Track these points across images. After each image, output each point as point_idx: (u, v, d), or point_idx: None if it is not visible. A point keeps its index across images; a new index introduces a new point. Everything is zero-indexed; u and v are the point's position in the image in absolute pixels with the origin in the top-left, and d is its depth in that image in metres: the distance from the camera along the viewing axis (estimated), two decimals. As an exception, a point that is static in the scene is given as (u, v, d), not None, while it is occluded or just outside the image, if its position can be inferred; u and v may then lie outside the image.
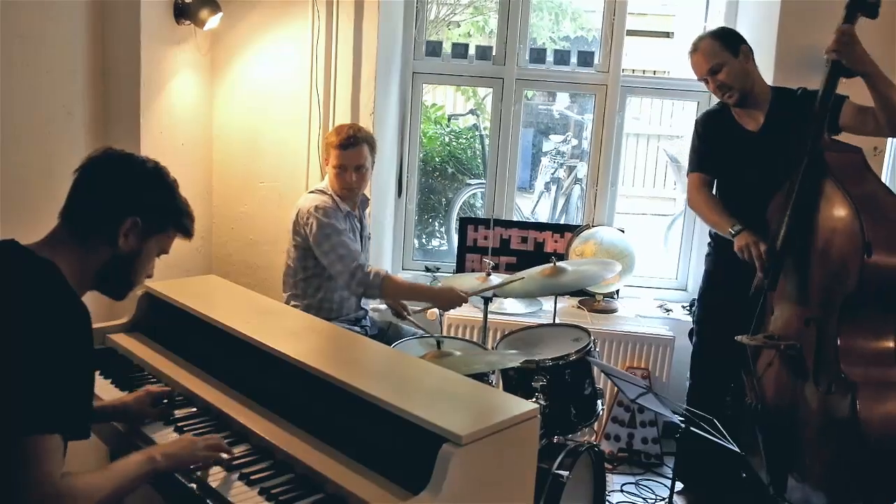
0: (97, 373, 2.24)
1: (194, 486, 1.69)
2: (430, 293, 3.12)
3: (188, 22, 3.36)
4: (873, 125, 2.57)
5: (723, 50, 2.81)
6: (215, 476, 1.72)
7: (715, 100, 2.99)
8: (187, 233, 1.78)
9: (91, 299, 1.62)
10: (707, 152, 3.00)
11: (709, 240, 3.15)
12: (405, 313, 3.19)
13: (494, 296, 3.16)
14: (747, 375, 2.67)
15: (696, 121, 3.11)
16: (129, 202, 1.64)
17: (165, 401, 2.03)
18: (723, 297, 2.99)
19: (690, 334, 3.24)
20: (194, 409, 2.04)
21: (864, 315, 2.30)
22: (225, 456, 1.75)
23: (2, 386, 1.37)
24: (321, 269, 2.99)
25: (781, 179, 2.57)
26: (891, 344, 2.30)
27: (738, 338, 2.59)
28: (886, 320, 2.31)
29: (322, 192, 3.04)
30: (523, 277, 3.01)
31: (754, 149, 2.84)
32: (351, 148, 2.98)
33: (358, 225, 3.13)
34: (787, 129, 2.69)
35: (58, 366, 1.41)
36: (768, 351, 2.60)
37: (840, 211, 2.33)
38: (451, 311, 3.22)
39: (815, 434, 2.36)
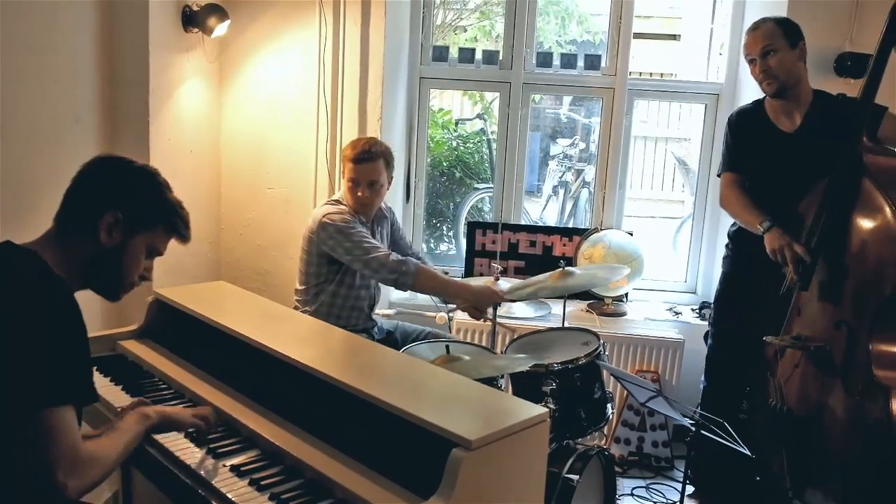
0: (107, 379, 2.25)
1: (202, 490, 1.70)
2: (467, 289, 2.99)
3: (196, 29, 3.37)
4: None
5: (782, 37, 2.77)
6: (224, 480, 1.72)
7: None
8: (179, 233, 1.78)
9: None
10: (740, 151, 2.96)
11: (727, 241, 3.13)
12: (484, 316, 3.05)
13: (533, 297, 3.12)
14: (772, 376, 2.64)
15: (729, 119, 3.05)
16: (110, 196, 1.66)
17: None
18: (740, 299, 2.97)
19: (706, 337, 3.22)
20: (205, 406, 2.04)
21: None
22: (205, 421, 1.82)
23: (5, 366, 1.40)
24: (332, 275, 2.98)
25: (814, 182, 2.54)
26: None
27: (767, 338, 2.56)
28: None
29: (337, 202, 3.04)
30: (568, 269, 2.95)
31: (788, 149, 2.81)
32: (365, 163, 2.95)
33: (376, 238, 3.10)
34: (823, 132, 2.65)
35: (56, 338, 1.44)
36: (793, 352, 2.56)
37: (879, 214, 2.29)
38: (459, 315, 3.20)
39: (842, 437, 2.33)
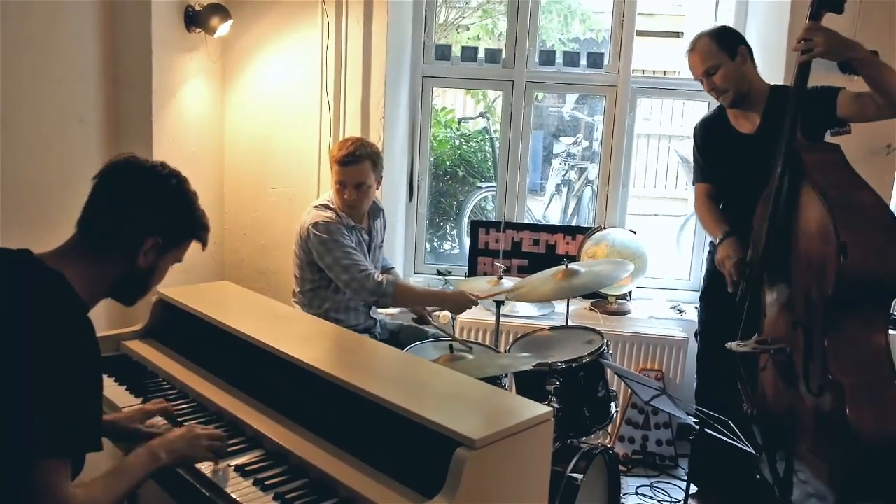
0: (112, 380, 2.25)
1: (206, 490, 1.70)
2: (441, 297, 3.16)
3: (199, 29, 3.38)
4: (873, 109, 2.52)
5: (719, 51, 2.77)
6: (228, 479, 1.72)
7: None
8: (203, 243, 1.78)
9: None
10: (706, 161, 3.01)
11: (710, 238, 3.14)
12: (429, 318, 3.21)
13: (507, 299, 3.16)
14: (740, 382, 2.65)
15: (694, 129, 3.10)
16: (153, 222, 1.63)
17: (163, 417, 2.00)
18: (723, 297, 2.97)
19: (696, 335, 3.23)
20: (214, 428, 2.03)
21: (850, 316, 2.27)
22: (219, 445, 1.79)
23: (9, 406, 1.36)
24: (325, 281, 2.98)
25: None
26: (879, 344, 2.27)
27: (728, 345, 2.57)
28: (873, 320, 2.30)
29: (326, 206, 3.01)
30: (524, 286, 3.03)
31: (749, 151, 2.81)
32: (350, 165, 2.92)
33: (365, 237, 3.09)
34: (781, 128, 2.67)
35: (65, 387, 1.40)
36: (762, 356, 2.58)
37: (816, 213, 2.31)
38: (464, 314, 3.22)
39: (812, 436, 2.34)
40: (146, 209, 1.63)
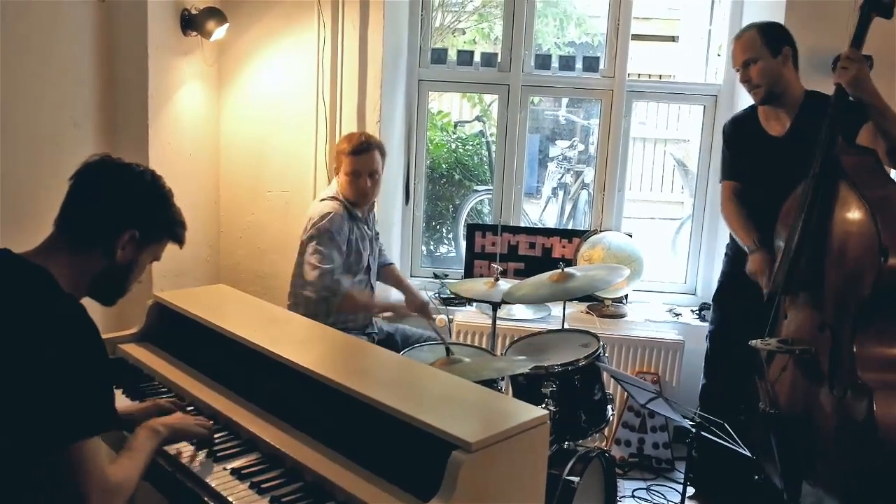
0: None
1: (203, 493, 1.70)
2: (388, 304, 3.32)
3: (195, 33, 3.38)
4: (882, 152, 2.53)
5: (763, 46, 2.78)
6: (225, 483, 1.72)
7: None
8: (180, 241, 1.81)
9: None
10: (734, 159, 3.01)
11: (728, 241, 3.14)
12: (401, 314, 3.31)
13: (503, 301, 3.16)
14: (761, 380, 2.65)
15: (724, 127, 3.10)
16: (129, 215, 1.66)
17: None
18: (739, 300, 2.97)
19: (707, 336, 3.23)
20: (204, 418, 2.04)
21: (881, 320, 2.25)
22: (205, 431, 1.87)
23: (25, 400, 1.38)
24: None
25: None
26: None
27: (753, 342, 2.57)
28: None
29: (333, 197, 3.09)
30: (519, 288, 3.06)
31: (776, 153, 2.82)
32: (364, 153, 3.05)
33: (368, 231, 3.19)
34: (813, 134, 2.63)
35: (79, 369, 1.43)
36: (782, 356, 2.58)
37: (855, 214, 2.30)
38: (461, 317, 3.23)
39: (831, 439, 2.33)
40: (122, 203, 1.66)
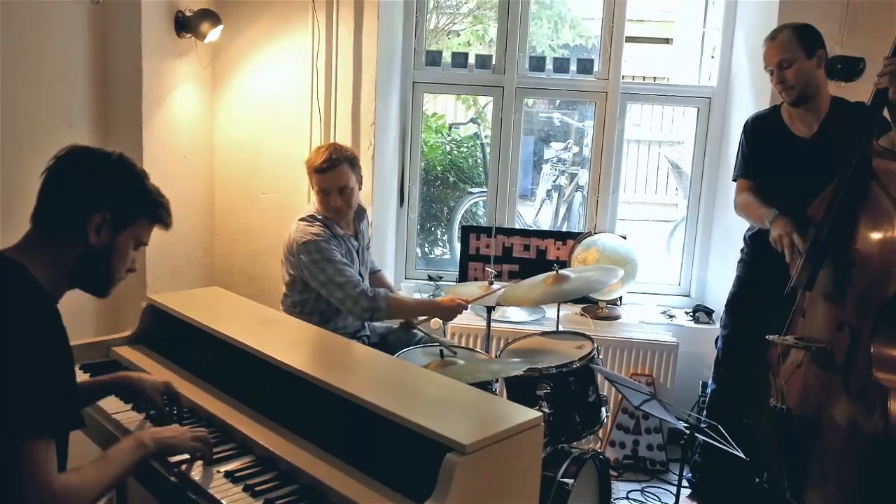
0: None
1: (196, 496, 1.69)
2: (432, 306, 3.14)
3: (189, 35, 3.37)
4: None
5: (798, 47, 2.77)
6: (218, 486, 1.72)
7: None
8: (162, 222, 1.76)
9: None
10: (754, 157, 2.97)
11: (742, 245, 3.12)
12: (414, 321, 3.19)
13: (498, 304, 3.16)
14: (774, 377, 2.65)
15: (745, 124, 3.06)
16: (96, 196, 1.62)
17: (174, 409, 2.04)
18: (753, 303, 2.96)
19: (717, 340, 3.22)
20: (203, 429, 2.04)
21: None
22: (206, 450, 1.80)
23: None
24: (314, 295, 2.97)
25: (826, 187, 2.54)
26: None
27: (770, 337, 2.56)
28: None
29: (312, 217, 2.98)
30: (516, 284, 3.02)
31: (804, 155, 2.81)
32: (330, 171, 2.90)
33: (354, 243, 3.08)
34: (839, 138, 2.63)
35: (37, 366, 1.41)
36: (796, 353, 2.57)
37: (886, 217, 2.31)
38: (454, 319, 3.22)
39: (842, 439, 2.34)
40: (87, 185, 1.63)
